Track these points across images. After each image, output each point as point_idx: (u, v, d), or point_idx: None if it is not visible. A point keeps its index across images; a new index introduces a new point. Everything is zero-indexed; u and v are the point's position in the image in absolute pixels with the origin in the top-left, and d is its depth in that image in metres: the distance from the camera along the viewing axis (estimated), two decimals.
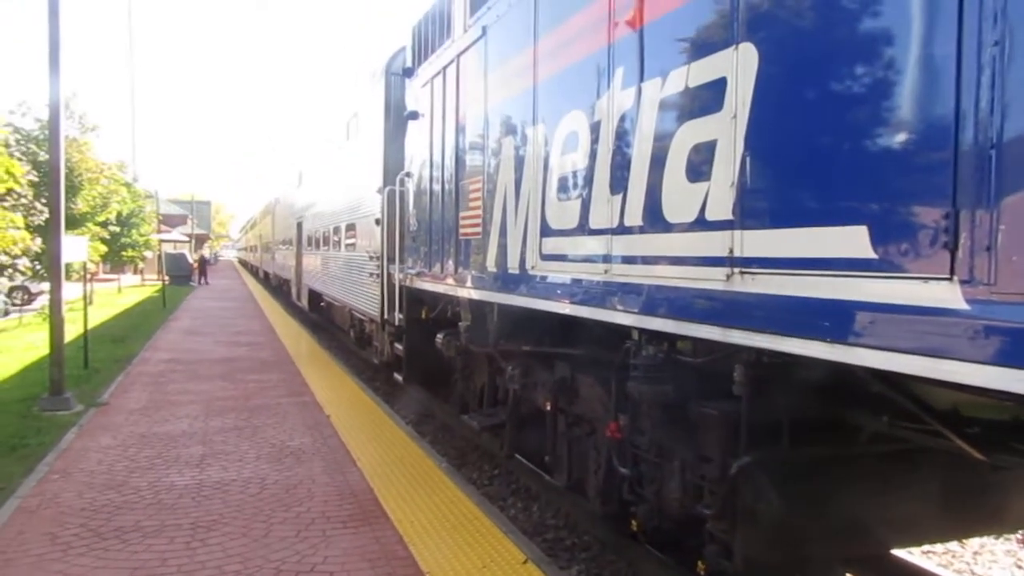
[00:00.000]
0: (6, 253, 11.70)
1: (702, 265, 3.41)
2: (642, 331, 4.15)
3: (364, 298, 11.62)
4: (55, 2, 9.15)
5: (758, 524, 3.72)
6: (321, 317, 18.62)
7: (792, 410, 3.63)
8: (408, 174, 8.79)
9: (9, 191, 11.66)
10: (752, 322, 3.08)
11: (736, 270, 3.16)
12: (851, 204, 2.67)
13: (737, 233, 3.16)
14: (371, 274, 10.91)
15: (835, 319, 2.68)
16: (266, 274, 39.29)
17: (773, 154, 3.03)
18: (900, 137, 2.50)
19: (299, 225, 21.02)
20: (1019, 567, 5.48)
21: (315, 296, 18.31)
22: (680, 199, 3.57)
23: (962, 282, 2.25)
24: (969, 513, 4.01)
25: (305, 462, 6.86)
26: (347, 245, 13.32)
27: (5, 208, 11.49)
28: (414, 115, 8.46)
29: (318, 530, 5.21)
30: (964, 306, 2.24)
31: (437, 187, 7.55)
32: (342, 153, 14.21)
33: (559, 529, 6.03)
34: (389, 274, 9.52)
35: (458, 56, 6.86)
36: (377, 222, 10.22)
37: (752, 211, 3.10)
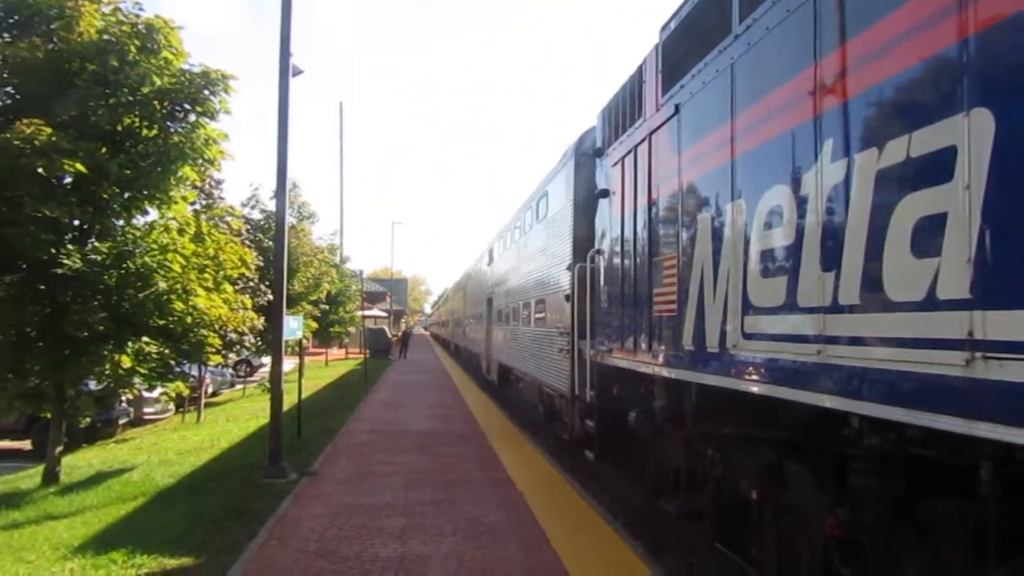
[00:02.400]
0: (236, 331, 13.01)
1: (933, 348, 3.10)
2: (863, 418, 3.82)
3: (554, 373, 11.72)
4: (284, 136, 10.35)
5: None
6: (509, 390, 18.98)
7: None
8: (599, 251, 8.88)
9: (241, 275, 13.08)
10: (1002, 414, 2.73)
11: (978, 354, 2.84)
12: None
13: (978, 314, 2.85)
14: (561, 349, 11.00)
15: None
16: (456, 347, 40.96)
17: (1021, 226, 2.72)
18: None
19: (489, 301, 21.77)
20: None
21: (504, 370, 18.75)
22: (904, 276, 3.29)
23: None
24: None
25: (500, 540, 6.89)
26: (536, 320, 13.57)
27: (237, 291, 12.86)
28: (604, 193, 8.59)
29: None
30: None
31: (629, 263, 7.54)
32: (532, 231, 14.67)
33: None
34: (579, 350, 9.56)
35: (650, 135, 6.91)
36: (567, 298, 10.37)
37: (997, 289, 2.79)
